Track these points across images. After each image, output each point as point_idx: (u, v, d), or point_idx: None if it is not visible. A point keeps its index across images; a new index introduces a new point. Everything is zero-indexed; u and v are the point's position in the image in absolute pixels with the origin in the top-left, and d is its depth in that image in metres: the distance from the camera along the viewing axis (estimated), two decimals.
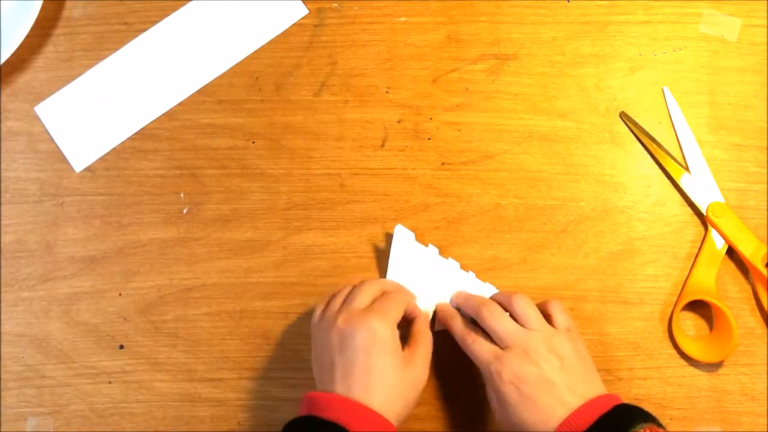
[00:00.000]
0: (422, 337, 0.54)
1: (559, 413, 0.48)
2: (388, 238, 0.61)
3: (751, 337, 0.59)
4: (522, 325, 0.52)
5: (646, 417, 0.48)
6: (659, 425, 0.48)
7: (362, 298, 0.53)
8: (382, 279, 0.57)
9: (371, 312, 0.51)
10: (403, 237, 0.59)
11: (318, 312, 0.55)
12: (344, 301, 0.53)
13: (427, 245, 0.60)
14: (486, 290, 0.59)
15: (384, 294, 0.54)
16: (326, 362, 0.51)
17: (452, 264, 0.60)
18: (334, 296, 0.55)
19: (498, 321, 0.52)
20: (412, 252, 0.59)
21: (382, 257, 0.62)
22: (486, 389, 0.54)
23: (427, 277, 0.58)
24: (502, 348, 0.52)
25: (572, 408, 0.48)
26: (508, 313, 0.53)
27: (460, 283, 0.59)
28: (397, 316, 0.52)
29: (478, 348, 0.52)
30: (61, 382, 0.61)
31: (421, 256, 0.59)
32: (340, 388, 0.49)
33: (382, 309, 0.52)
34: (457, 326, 0.54)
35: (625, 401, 0.49)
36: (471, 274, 0.60)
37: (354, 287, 0.55)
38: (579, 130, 0.63)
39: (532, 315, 0.53)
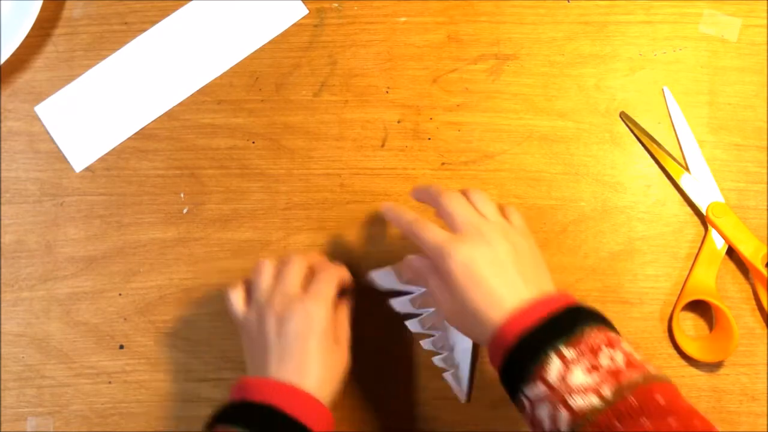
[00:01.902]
0: (342, 315, 0.54)
1: (511, 301, 0.45)
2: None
3: (751, 337, 0.59)
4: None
5: (597, 318, 0.45)
6: (612, 328, 0.45)
7: (293, 279, 0.52)
8: (305, 254, 0.55)
9: (308, 296, 0.50)
10: (384, 280, 0.57)
11: (235, 295, 0.54)
12: (274, 282, 0.52)
13: None
14: None
15: (314, 271, 0.53)
16: (260, 346, 0.50)
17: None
18: (257, 275, 0.53)
19: (457, 205, 0.49)
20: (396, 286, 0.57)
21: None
22: (431, 288, 0.50)
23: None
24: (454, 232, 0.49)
25: (524, 298, 0.45)
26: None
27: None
28: (332, 295, 0.52)
29: (430, 233, 0.49)
30: (61, 382, 0.61)
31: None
32: (274, 373, 0.49)
33: (318, 291, 0.51)
34: (407, 215, 0.51)
35: (578, 301, 0.47)
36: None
37: (281, 265, 0.53)
38: (579, 130, 0.63)
39: (490, 208, 0.50)
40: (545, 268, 0.50)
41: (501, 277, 0.46)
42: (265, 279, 0.53)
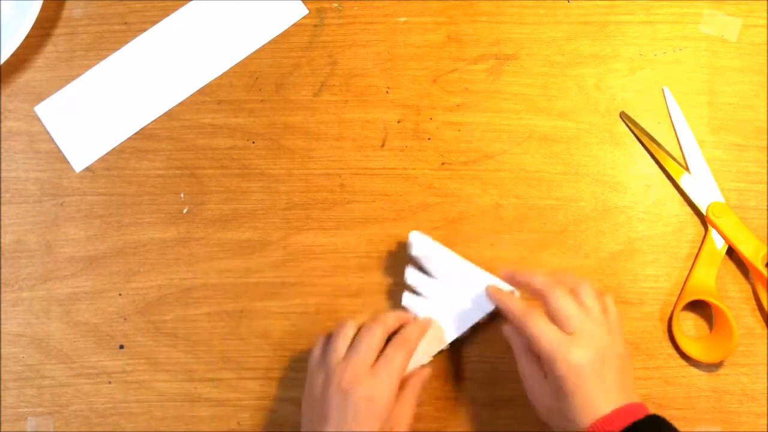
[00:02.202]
0: (409, 394, 0.54)
1: (604, 408, 0.48)
2: (403, 245, 0.61)
3: (751, 337, 0.59)
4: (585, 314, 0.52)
5: (671, 428, 0.48)
6: None
7: (368, 351, 0.52)
8: (389, 316, 0.55)
9: (375, 375, 0.51)
10: (421, 242, 0.59)
11: (318, 351, 0.55)
12: (349, 346, 0.53)
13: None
14: (505, 289, 0.59)
15: (390, 340, 0.54)
16: (319, 411, 0.51)
17: (470, 266, 0.59)
18: (337, 335, 0.54)
19: (568, 305, 0.51)
20: (431, 254, 0.59)
21: (395, 262, 0.62)
22: (522, 370, 0.53)
23: (446, 278, 0.58)
24: (565, 332, 0.51)
25: (615, 406, 0.48)
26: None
27: (480, 282, 0.58)
28: (401, 372, 0.52)
29: (542, 329, 0.50)
30: (61, 382, 0.61)
31: (440, 257, 0.59)
32: None
33: (388, 369, 0.51)
34: (516, 305, 0.53)
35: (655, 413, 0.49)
36: (490, 275, 0.59)
37: (360, 332, 0.54)
38: (579, 130, 0.63)
39: (594, 303, 0.52)
40: (632, 370, 0.53)
41: (601, 384, 0.49)
42: (340, 340, 0.53)
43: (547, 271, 0.56)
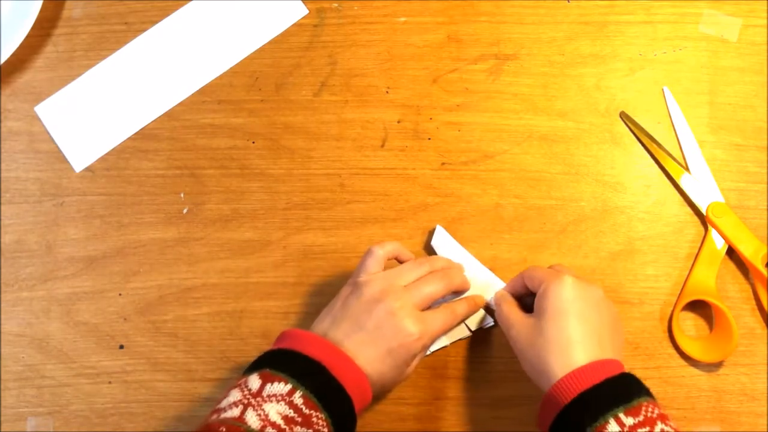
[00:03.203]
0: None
1: (580, 357, 0.47)
2: (429, 235, 0.62)
3: (751, 337, 0.59)
4: None
5: (647, 391, 0.48)
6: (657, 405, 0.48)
7: (424, 292, 0.53)
8: (454, 272, 0.56)
9: (420, 322, 0.51)
10: (443, 238, 0.60)
11: (383, 252, 0.55)
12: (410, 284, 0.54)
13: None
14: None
15: (441, 308, 0.55)
16: (355, 319, 0.51)
17: (483, 269, 0.60)
18: (368, 256, 0.55)
19: (567, 268, 0.55)
20: (451, 253, 0.60)
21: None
22: (505, 314, 0.53)
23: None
24: None
25: (591, 358, 0.48)
26: None
27: (493, 289, 0.59)
28: (440, 332, 0.53)
29: (541, 270, 0.53)
30: (61, 382, 0.61)
31: (458, 258, 0.60)
32: (347, 344, 0.50)
33: (432, 323, 0.52)
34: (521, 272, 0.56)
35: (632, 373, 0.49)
36: (501, 281, 0.60)
37: (427, 274, 0.54)
38: (579, 130, 0.63)
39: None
40: (621, 333, 0.53)
41: (584, 326, 0.49)
42: (409, 275, 0.54)
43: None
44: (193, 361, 0.61)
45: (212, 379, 0.61)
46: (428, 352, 0.59)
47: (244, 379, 0.48)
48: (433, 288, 0.53)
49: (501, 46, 0.64)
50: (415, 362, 0.54)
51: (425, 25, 0.65)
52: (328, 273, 0.62)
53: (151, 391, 0.61)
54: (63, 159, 0.64)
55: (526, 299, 0.55)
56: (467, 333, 0.59)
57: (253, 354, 0.60)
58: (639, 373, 0.59)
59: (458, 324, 0.57)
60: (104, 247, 0.63)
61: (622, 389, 0.47)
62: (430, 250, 0.61)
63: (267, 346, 0.60)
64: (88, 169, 0.64)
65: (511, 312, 0.53)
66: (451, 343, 0.59)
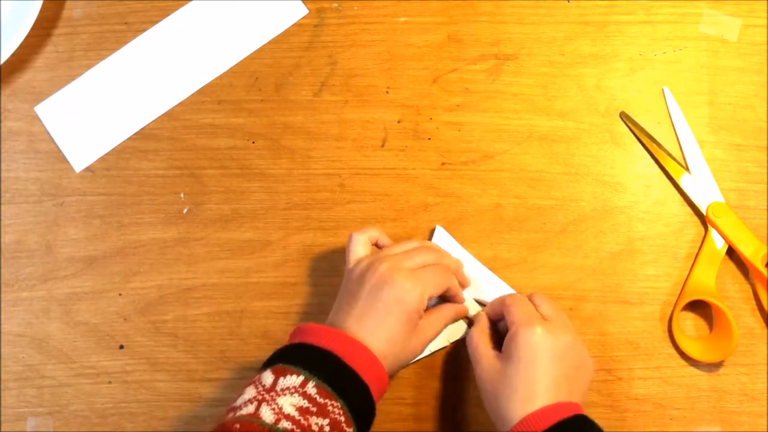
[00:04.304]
0: (440, 316, 0.55)
1: (539, 398, 0.48)
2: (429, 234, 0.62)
3: (751, 337, 0.59)
4: None
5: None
6: None
7: (418, 260, 0.53)
8: (444, 251, 0.57)
9: (412, 275, 0.52)
10: (443, 238, 0.60)
11: (361, 239, 0.56)
12: (401, 252, 0.54)
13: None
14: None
15: (434, 267, 0.55)
16: (352, 294, 0.52)
17: (483, 268, 0.60)
18: (396, 246, 0.55)
19: (547, 302, 0.54)
20: (450, 250, 0.60)
21: None
22: (475, 344, 0.53)
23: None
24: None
25: (550, 402, 0.48)
26: None
27: (492, 287, 0.60)
28: (433, 291, 0.53)
29: (521, 303, 0.53)
30: (61, 382, 0.61)
31: (458, 255, 0.60)
32: (350, 325, 0.50)
33: (424, 278, 0.52)
34: (504, 298, 0.55)
35: (587, 415, 0.49)
36: (499, 280, 0.60)
37: (417, 247, 0.55)
38: (579, 130, 0.63)
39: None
40: (586, 381, 0.53)
41: (548, 374, 0.49)
42: (400, 246, 0.55)
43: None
44: (193, 361, 0.61)
45: (212, 379, 0.61)
46: (427, 353, 0.59)
47: (258, 376, 0.48)
48: (423, 256, 0.54)
49: (501, 46, 0.64)
50: (422, 333, 0.53)
51: (425, 25, 0.65)
52: (328, 273, 0.62)
53: (151, 391, 0.61)
54: (63, 159, 0.64)
55: (502, 324, 0.55)
56: (450, 340, 0.59)
57: (253, 354, 0.61)
58: (639, 373, 0.59)
59: (453, 320, 0.57)
60: (104, 247, 0.63)
61: (575, 428, 0.47)
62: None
63: (267, 346, 0.61)
64: (88, 169, 0.64)
65: (480, 345, 0.53)
66: (450, 344, 0.59)
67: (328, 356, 0.48)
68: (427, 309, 0.55)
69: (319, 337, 0.49)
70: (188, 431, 0.60)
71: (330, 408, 0.46)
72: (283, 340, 0.61)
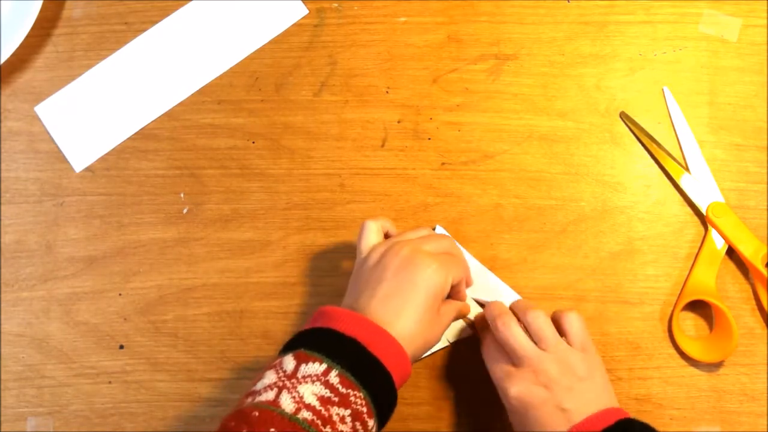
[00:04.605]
0: (455, 305, 0.54)
1: (579, 412, 0.49)
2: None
3: (751, 337, 0.59)
4: (536, 342, 0.51)
5: (648, 428, 0.48)
6: None
7: (434, 246, 0.52)
8: (455, 242, 0.57)
9: (438, 259, 0.51)
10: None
11: (374, 227, 0.54)
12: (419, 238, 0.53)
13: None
14: (512, 298, 0.59)
15: (451, 254, 0.54)
16: (373, 276, 0.50)
17: (483, 269, 0.60)
18: (409, 231, 0.55)
19: (511, 334, 0.51)
20: None
21: None
22: (489, 350, 0.54)
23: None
24: (514, 363, 0.51)
25: (575, 422, 0.48)
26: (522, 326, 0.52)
27: (491, 288, 0.60)
28: (455, 277, 0.52)
29: (492, 360, 0.53)
30: (61, 382, 0.61)
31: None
32: (374, 306, 0.49)
33: (449, 263, 0.51)
34: (495, 307, 0.54)
35: (631, 416, 0.49)
36: (500, 281, 0.60)
37: (432, 234, 0.55)
38: (579, 130, 0.63)
39: (547, 333, 0.51)
40: (606, 384, 0.52)
41: (554, 415, 0.49)
42: (413, 233, 0.54)
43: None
44: (193, 361, 0.61)
45: (212, 379, 0.61)
46: (429, 352, 0.59)
47: (279, 360, 0.46)
48: (439, 243, 0.53)
49: (501, 46, 0.64)
50: (444, 316, 0.52)
51: (425, 25, 0.65)
52: (328, 273, 0.62)
53: (151, 391, 0.61)
54: (63, 159, 0.64)
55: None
56: (469, 332, 0.59)
57: (253, 354, 0.61)
58: (639, 373, 0.59)
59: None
60: (104, 247, 0.63)
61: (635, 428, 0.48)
62: None
63: (267, 346, 0.61)
64: (88, 169, 0.64)
65: (493, 353, 0.53)
66: (450, 344, 0.59)
67: (352, 344, 0.46)
68: None
69: (344, 322, 0.47)
70: (188, 431, 0.60)
71: (352, 398, 0.45)
72: (282, 340, 0.61)
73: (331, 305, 0.49)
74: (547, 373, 0.50)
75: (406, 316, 0.49)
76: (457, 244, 0.60)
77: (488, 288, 0.60)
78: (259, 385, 0.45)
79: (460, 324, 0.59)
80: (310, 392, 0.44)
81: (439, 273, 0.50)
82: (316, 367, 0.45)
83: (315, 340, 0.47)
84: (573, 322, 0.52)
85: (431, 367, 0.60)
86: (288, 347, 0.48)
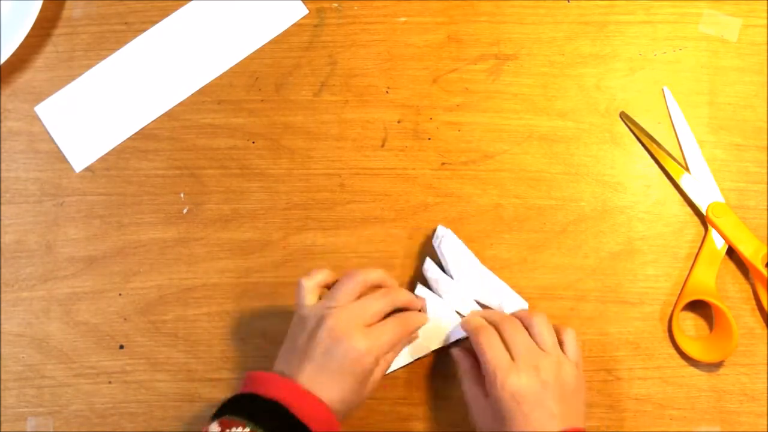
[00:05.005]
0: (386, 360, 0.53)
1: (554, 429, 0.49)
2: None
3: (751, 337, 0.59)
4: (537, 344, 0.52)
5: None
6: None
7: (368, 313, 0.51)
8: (401, 293, 0.55)
9: (366, 337, 0.50)
10: (448, 239, 0.59)
11: (309, 285, 0.53)
12: (352, 303, 0.52)
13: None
14: (515, 300, 0.59)
15: (383, 324, 0.52)
16: (304, 351, 0.50)
17: (488, 272, 0.60)
18: (341, 284, 0.53)
19: (516, 332, 0.52)
20: (455, 254, 0.59)
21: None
22: (466, 390, 0.54)
23: (463, 283, 0.59)
24: (513, 356, 0.52)
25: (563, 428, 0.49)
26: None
27: (494, 291, 0.59)
28: (389, 348, 0.52)
29: (492, 346, 0.52)
30: (61, 382, 0.61)
31: (463, 260, 0.59)
32: (304, 381, 0.49)
33: (379, 337, 0.51)
34: (475, 320, 0.55)
35: None
36: (505, 285, 0.60)
37: (369, 296, 0.53)
38: (579, 130, 0.63)
39: (548, 337, 0.53)
40: (583, 404, 0.53)
41: (542, 417, 0.49)
42: (345, 294, 0.52)
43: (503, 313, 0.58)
44: (193, 361, 0.61)
45: (212, 379, 0.61)
46: (390, 370, 0.58)
47: (206, 428, 0.48)
48: (376, 305, 0.52)
49: (501, 46, 0.64)
50: (375, 377, 0.52)
51: (425, 25, 0.65)
52: None
53: (151, 391, 0.61)
54: (63, 159, 0.64)
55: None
56: (432, 348, 0.59)
57: (253, 354, 0.61)
58: (639, 373, 0.59)
59: (413, 336, 0.56)
60: (104, 247, 0.63)
61: None
62: (431, 251, 0.61)
63: (267, 346, 0.61)
64: (88, 169, 0.64)
65: (468, 390, 0.54)
66: (415, 360, 0.59)
67: (275, 407, 0.47)
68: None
69: (268, 386, 0.49)
70: (188, 431, 0.60)
71: None
72: (282, 340, 0.61)
73: (259, 370, 0.50)
74: (547, 371, 0.50)
75: (333, 395, 0.49)
76: (462, 245, 0.60)
77: (492, 291, 0.59)
78: None
79: (445, 331, 0.58)
80: None
81: (368, 355, 0.50)
82: None
83: (240, 405, 0.48)
84: (571, 337, 0.54)
85: (431, 368, 0.60)
86: (216, 414, 0.49)
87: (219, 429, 0.47)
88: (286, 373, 0.50)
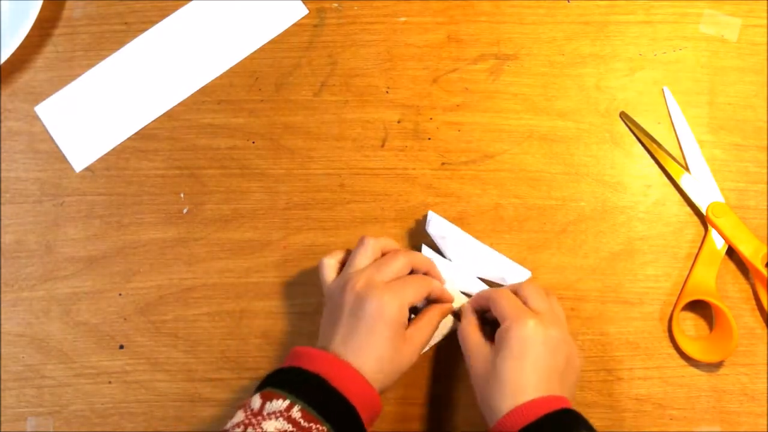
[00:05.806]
0: (427, 321, 0.55)
1: (527, 392, 0.49)
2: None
3: (751, 337, 0.59)
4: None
5: (589, 427, 0.48)
6: None
7: (387, 272, 0.53)
8: (415, 254, 0.57)
9: (388, 289, 0.52)
10: (437, 222, 0.60)
11: (330, 263, 0.56)
12: (370, 265, 0.54)
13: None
14: (517, 270, 0.59)
15: (410, 274, 0.55)
16: (334, 318, 0.52)
17: (484, 247, 0.60)
18: (357, 252, 0.55)
19: (537, 294, 0.54)
20: (447, 235, 0.59)
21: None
22: (466, 331, 0.54)
23: (461, 261, 0.59)
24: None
25: (539, 395, 0.49)
26: None
27: (494, 265, 0.59)
28: (413, 300, 0.53)
29: (508, 297, 0.53)
30: (61, 382, 0.61)
31: (456, 239, 0.59)
32: (337, 347, 0.51)
33: (401, 289, 0.52)
34: (488, 292, 0.55)
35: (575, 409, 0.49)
36: (504, 257, 0.60)
37: (386, 256, 0.55)
38: (579, 130, 0.63)
39: (560, 311, 0.55)
40: (575, 377, 0.53)
41: (536, 367, 0.49)
42: (362, 259, 0.55)
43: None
44: (193, 361, 0.61)
45: (212, 379, 0.61)
46: (426, 348, 0.58)
47: (248, 400, 0.49)
48: (394, 265, 0.54)
49: (501, 46, 0.64)
50: (412, 339, 0.53)
51: (425, 25, 0.65)
52: None
53: (151, 391, 0.61)
54: (63, 159, 0.64)
55: (488, 314, 0.55)
56: (454, 324, 0.59)
57: (253, 354, 0.61)
58: (639, 373, 0.59)
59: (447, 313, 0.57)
60: (104, 247, 0.63)
61: (564, 422, 0.48)
62: (429, 241, 0.61)
63: (267, 346, 0.61)
64: (88, 169, 0.64)
65: (471, 337, 0.54)
66: (443, 338, 0.59)
67: (314, 379, 0.48)
68: (416, 314, 0.55)
69: (307, 360, 0.50)
70: (188, 431, 0.60)
71: (314, 431, 0.46)
72: (282, 340, 0.61)
73: (301, 346, 0.51)
74: (560, 333, 0.51)
75: (367, 355, 0.50)
76: (451, 225, 0.59)
77: (491, 265, 0.59)
78: (229, 424, 0.48)
79: (447, 318, 0.59)
80: (273, 428, 0.46)
81: (391, 305, 0.51)
82: (279, 404, 0.47)
83: (280, 379, 0.49)
84: (555, 300, 0.56)
85: (431, 367, 0.60)
86: (258, 387, 0.50)
87: (261, 401, 0.48)
88: (323, 345, 0.52)
